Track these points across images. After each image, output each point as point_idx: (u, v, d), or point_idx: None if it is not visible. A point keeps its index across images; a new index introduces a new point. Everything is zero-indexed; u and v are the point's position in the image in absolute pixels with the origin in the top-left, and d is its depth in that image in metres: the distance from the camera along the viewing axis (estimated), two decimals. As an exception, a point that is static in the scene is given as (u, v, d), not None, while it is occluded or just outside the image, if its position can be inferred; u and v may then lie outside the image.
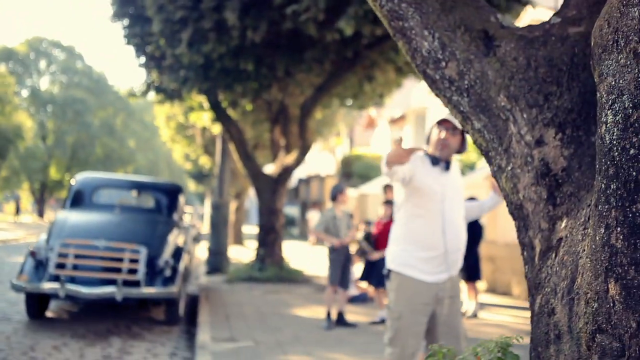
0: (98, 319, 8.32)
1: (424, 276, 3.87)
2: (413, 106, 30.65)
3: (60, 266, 7.59)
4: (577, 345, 1.53)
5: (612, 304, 1.40)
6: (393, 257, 3.99)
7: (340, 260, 8.01)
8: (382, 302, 8.24)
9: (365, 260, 8.54)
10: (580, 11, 1.85)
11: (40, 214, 47.47)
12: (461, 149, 3.94)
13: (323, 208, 25.49)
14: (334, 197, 8.17)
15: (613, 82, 1.37)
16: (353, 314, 8.75)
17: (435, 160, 3.87)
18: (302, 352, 6.43)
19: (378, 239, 8.34)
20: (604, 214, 1.42)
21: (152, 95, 13.62)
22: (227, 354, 6.47)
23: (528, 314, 7.42)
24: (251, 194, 33.54)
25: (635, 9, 1.32)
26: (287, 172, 12.86)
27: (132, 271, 7.68)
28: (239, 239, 23.20)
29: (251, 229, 34.66)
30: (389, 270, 3.99)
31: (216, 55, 10.57)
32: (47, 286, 7.41)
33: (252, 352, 6.49)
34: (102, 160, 47.69)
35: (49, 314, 8.45)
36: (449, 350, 1.95)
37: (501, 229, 11.16)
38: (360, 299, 10.07)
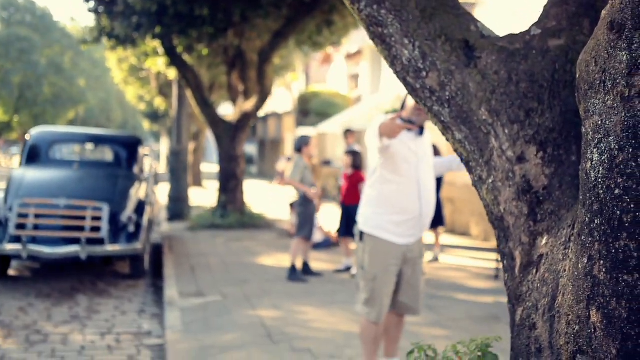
0: (62, 276, 8.28)
1: (396, 238, 4.03)
2: (369, 41, 30.31)
3: (21, 227, 7.49)
4: (557, 361, 1.63)
5: (593, 330, 1.48)
6: (366, 219, 4.12)
7: (312, 212, 8.07)
8: (349, 251, 8.39)
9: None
10: (560, 22, 1.86)
11: (-10, 158, 46.28)
12: None
13: (282, 147, 25.43)
14: (299, 149, 8.15)
15: (600, 122, 1.41)
16: (317, 262, 8.90)
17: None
18: (270, 306, 6.56)
19: (346, 194, 8.41)
20: (587, 245, 1.48)
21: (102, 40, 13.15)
22: (196, 309, 6.57)
23: (487, 255, 7.65)
24: (209, 134, 33.13)
25: (624, 52, 1.35)
26: (246, 118, 12.75)
27: (95, 229, 7.62)
28: (198, 180, 23.09)
29: (210, 167, 34.49)
30: (362, 233, 4.11)
31: (170, 1, 10.25)
32: (9, 247, 7.32)
33: (221, 306, 6.59)
34: (51, 100, 46.26)
35: (11, 272, 8.38)
36: (429, 347, 2.03)
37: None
38: (324, 245, 10.23)
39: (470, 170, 1.98)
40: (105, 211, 7.67)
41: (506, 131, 1.82)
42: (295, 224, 10.40)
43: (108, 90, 55.51)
